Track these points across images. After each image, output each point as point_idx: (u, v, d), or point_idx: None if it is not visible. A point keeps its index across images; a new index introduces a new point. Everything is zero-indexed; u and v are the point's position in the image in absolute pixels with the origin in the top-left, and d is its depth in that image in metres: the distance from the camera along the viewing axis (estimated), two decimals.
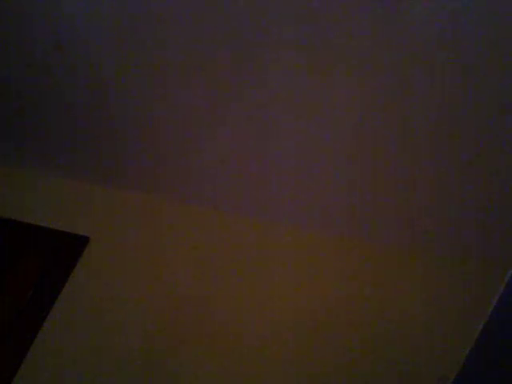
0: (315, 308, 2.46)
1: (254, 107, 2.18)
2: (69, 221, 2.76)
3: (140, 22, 2.01)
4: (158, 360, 2.39)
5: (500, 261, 2.38)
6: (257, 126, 2.26)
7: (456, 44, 1.75)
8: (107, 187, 2.84)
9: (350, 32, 1.82)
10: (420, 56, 1.82)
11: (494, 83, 1.82)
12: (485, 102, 1.88)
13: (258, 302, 2.49)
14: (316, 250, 2.59)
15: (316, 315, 2.44)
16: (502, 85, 1.81)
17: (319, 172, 2.36)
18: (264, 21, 1.87)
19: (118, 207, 2.80)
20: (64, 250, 2.67)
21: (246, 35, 1.93)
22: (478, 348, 1.05)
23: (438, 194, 2.26)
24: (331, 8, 1.77)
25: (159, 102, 2.31)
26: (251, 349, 2.39)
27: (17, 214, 2.78)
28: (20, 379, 2.37)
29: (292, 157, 2.34)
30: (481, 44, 1.73)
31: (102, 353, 2.42)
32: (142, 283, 2.57)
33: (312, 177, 2.39)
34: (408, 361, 2.31)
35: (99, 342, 2.44)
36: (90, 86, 2.33)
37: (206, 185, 2.64)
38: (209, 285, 2.55)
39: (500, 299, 1.03)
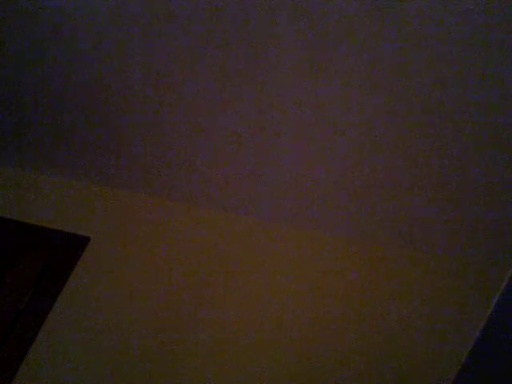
0: (314, 307, 2.46)
1: (255, 107, 2.18)
2: (69, 221, 2.77)
3: (143, 19, 2.01)
4: (157, 360, 2.39)
5: (500, 261, 2.38)
6: (257, 127, 2.26)
7: (455, 39, 1.76)
8: (107, 187, 2.84)
9: (349, 28, 1.82)
10: (420, 51, 1.82)
11: (495, 82, 1.82)
12: (485, 102, 1.88)
13: (257, 301, 2.49)
14: (316, 250, 2.60)
15: (315, 315, 2.44)
16: (503, 85, 1.81)
17: (319, 172, 2.36)
18: (264, 18, 1.87)
19: (118, 207, 2.80)
20: (64, 250, 2.67)
21: (248, 33, 1.93)
22: (478, 348, 1.05)
23: (437, 194, 2.26)
24: (330, 4, 1.77)
25: (160, 102, 2.31)
26: (251, 349, 2.39)
27: (17, 214, 2.79)
28: (20, 379, 2.37)
29: (292, 157, 2.34)
30: (480, 40, 1.73)
31: (101, 352, 2.42)
32: (142, 283, 2.57)
33: (312, 177, 2.40)
34: (408, 361, 2.31)
35: (99, 342, 2.44)
36: (90, 85, 2.33)
37: (207, 185, 2.64)
38: (209, 285, 2.55)
39: (500, 299, 1.02)
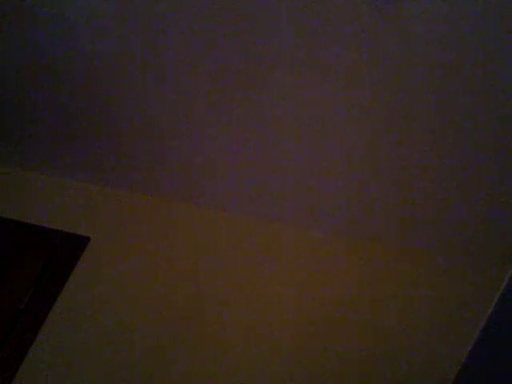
0: (315, 307, 2.46)
1: (255, 107, 2.18)
2: (69, 221, 2.77)
3: (143, 18, 2.01)
4: (158, 359, 2.39)
5: (500, 261, 2.38)
6: (258, 127, 2.26)
7: (457, 38, 1.76)
8: (107, 187, 2.84)
9: (350, 27, 1.82)
10: (421, 50, 1.82)
11: (495, 88, 1.82)
12: (486, 102, 1.88)
13: (258, 301, 2.49)
14: (316, 250, 2.60)
15: (315, 315, 2.44)
16: (503, 89, 1.81)
17: (320, 172, 2.36)
18: (264, 17, 1.87)
19: (118, 207, 2.80)
20: (64, 250, 2.67)
21: (247, 32, 1.93)
22: (478, 348, 1.05)
23: (438, 193, 2.26)
24: (331, 6, 1.77)
25: (160, 102, 2.30)
26: (251, 349, 2.39)
27: (17, 214, 2.78)
28: (20, 379, 2.37)
29: (293, 157, 2.34)
30: (480, 43, 1.73)
31: (101, 352, 2.42)
32: (142, 283, 2.57)
33: (312, 177, 2.39)
34: (408, 361, 2.31)
35: (99, 342, 2.44)
36: (89, 85, 2.33)
37: (207, 185, 2.64)
38: (209, 285, 2.55)
39: (500, 299, 1.03)
